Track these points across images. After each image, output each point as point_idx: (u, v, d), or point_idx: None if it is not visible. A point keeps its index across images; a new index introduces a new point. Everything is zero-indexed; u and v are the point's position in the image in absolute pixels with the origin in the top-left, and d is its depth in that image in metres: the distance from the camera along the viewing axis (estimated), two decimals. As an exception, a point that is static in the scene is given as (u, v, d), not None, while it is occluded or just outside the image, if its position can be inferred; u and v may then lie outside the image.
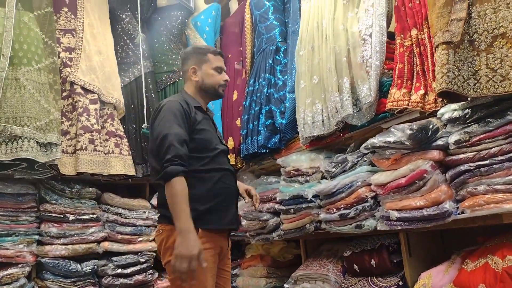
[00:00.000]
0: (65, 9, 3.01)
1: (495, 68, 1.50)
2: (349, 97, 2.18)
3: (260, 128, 2.89)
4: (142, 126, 2.95)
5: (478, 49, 1.56)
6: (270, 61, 3.00)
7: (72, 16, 3.01)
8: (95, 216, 2.78)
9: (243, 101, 3.22)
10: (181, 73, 2.13)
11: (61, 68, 2.85)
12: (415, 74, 1.96)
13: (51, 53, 2.80)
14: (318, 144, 2.51)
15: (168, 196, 1.57)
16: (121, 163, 2.90)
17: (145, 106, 3.04)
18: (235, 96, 3.32)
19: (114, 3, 3.27)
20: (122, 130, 3.03)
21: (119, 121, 3.05)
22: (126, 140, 3.01)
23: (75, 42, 2.96)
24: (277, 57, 3.01)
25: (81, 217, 2.73)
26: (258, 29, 3.23)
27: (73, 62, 2.89)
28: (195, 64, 1.91)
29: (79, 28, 2.99)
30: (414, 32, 1.98)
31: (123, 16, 3.27)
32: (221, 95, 1.98)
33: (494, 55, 1.51)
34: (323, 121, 2.37)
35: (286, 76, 2.84)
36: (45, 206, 2.65)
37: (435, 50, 1.64)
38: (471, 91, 1.54)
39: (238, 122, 3.22)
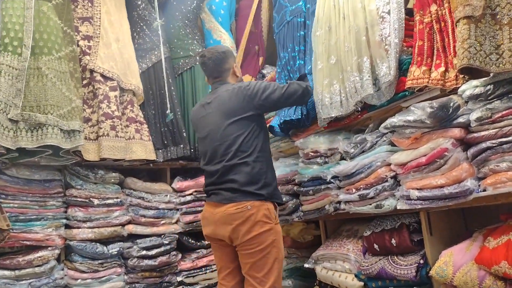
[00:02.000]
0: (82, -3, 3.04)
1: (519, 42, 1.46)
2: (369, 76, 2.15)
3: None
4: (167, 112, 2.99)
5: (500, 23, 1.51)
6: (301, 33, 2.85)
7: (89, 4, 3.05)
8: (119, 200, 2.86)
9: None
10: (221, 71, 2.27)
11: (80, 56, 2.90)
12: (435, 51, 1.92)
13: (70, 41, 2.85)
14: (336, 125, 2.50)
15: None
16: (142, 148, 2.96)
17: (166, 91, 3.06)
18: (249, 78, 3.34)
19: (129, -10, 3.29)
20: (142, 116, 3.08)
21: (139, 107, 3.10)
22: (146, 125, 3.07)
23: (93, 30, 3.00)
24: (304, 31, 2.90)
25: (105, 201, 2.82)
26: (279, 2, 3.13)
27: (92, 50, 2.94)
28: (235, 62, 2.33)
29: (97, 16, 3.03)
30: (434, 7, 1.93)
31: (139, 2, 3.28)
32: None
33: (518, 28, 1.47)
34: (341, 102, 2.35)
35: (306, 57, 2.80)
36: (71, 191, 2.74)
37: (456, 25, 1.60)
38: (493, 66, 1.50)
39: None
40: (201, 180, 3.01)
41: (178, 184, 3.11)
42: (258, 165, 2.06)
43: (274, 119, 2.86)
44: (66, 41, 2.81)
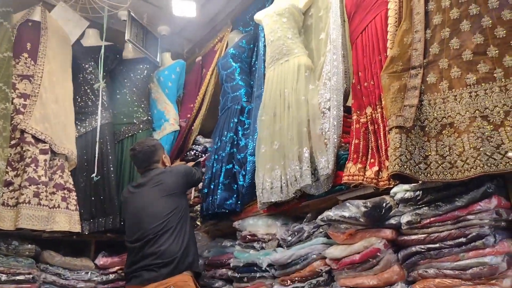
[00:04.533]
0: (26, 54, 2.94)
1: (444, 155, 1.58)
2: (308, 167, 2.20)
3: (219, 187, 2.84)
4: (92, 175, 2.86)
5: (428, 135, 1.64)
6: (235, 120, 3.00)
7: (32, 62, 2.93)
8: (31, 276, 2.54)
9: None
10: (151, 162, 2.63)
11: (13, 115, 2.72)
12: (369, 150, 2.02)
13: (4, 98, 2.69)
14: (275, 210, 2.48)
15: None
16: (67, 219, 2.73)
17: (96, 156, 2.93)
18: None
19: (78, 52, 3.24)
20: (72, 183, 2.88)
21: (70, 173, 2.91)
22: (74, 193, 2.86)
23: (31, 88, 2.86)
24: (241, 117, 3.02)
25: (15, 277, 2.49)
26: (224, 88, 3.27)
27: (26, 109, 2.78)
28: (164, 153, 2.71)
29: (38, 75, 2.91)
30: (369, 110, 2.07)
31: (86, 66, 3.23)
32: None
33: (443, 142, 1.60)
34: (281, 188, 2.37)
35: (248, 139, 2.85)
36: (-26, 264, 2.40)
37: (389, 132, 1.71)
38: (422, 175, 1.59)
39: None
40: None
41: (101, 260, 2.85)
42: (183, 241, 2.29)
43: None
44: (-1, 98, 2.63)
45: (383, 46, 2.00)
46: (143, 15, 3.43)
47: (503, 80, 1.55)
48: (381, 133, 1.97)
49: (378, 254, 1.73)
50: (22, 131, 2.70)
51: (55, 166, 2.81)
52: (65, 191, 2.81)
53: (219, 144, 3.05)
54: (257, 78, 2.96)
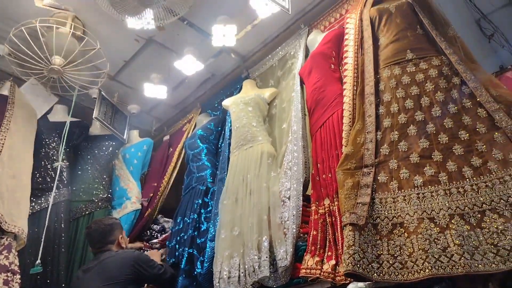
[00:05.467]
0: (-13, 128, 2.89)
1: (395, 255, 1.61)
2: (267, 257, 2.17)
3: (180, 274, 2.72)
4: (36, 263, 2.65)
5: (380, 233, 1.68)
6: (199, 201, 2.98)
7: (-7, 136, 2.88)
8: None
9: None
10: (105, 242, 2.50)
11: (-37, 190, 2.60)
12: (327, 243, 2.03)
13: (-45, 171, 2.58)
14: (232, 301, 2.38)
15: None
16: (6, 306, 2.50)
17: (42, 239, 2.77)
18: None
19: (44, 127, 3.23)
20: (17, 264, 2.68)
21: (16, 253, 2.72)
22: (19, 276, 2.64)
23: (-12, 162, 2.77)
24: (205, 199, 3.01)
25: None
26: (190, 168, 3.29)
27: (-21, 185, 2.66)
28: (120, 234, 2.55)
29: (-3, 149, 2.84)
30: (327, 201, 2.11)
31: (49, 141, 3.20)
32: None
33: (394, 242, 1.64)
34: (239, 278, 2.30)
35: (210, 223, 2.81)
36: None
37: (344, 227, 1.74)
38: (374, 274, 1.60)
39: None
40: None
41: None
42: None
43: None
44: (-51, 172, 2.53)
45: (340, 142, 2.11)
46: (114, 94, 3.52)
47: (447, 183, 1.65)
48: (338, 226, 1.99)
49: None
50: (-30, 208, 2.56)
51: (1, 246, 2.63)
52: (9, 274, 2.60)
53: (181, 225, 2.99)
54: (221, 161, 3.01)
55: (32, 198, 2.94)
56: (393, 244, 1.63)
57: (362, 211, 1.70)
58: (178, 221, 3.06)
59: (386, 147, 1.85)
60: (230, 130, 3.01)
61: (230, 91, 3.32)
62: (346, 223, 1.70)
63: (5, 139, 2.91)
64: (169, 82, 3.41)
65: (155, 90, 3.34)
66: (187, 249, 2.80)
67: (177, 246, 2.91)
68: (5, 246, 2.65)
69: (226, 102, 3.11)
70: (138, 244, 3.12)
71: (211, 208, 2.95)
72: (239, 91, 3.17)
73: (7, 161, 2.86)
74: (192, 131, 3.53)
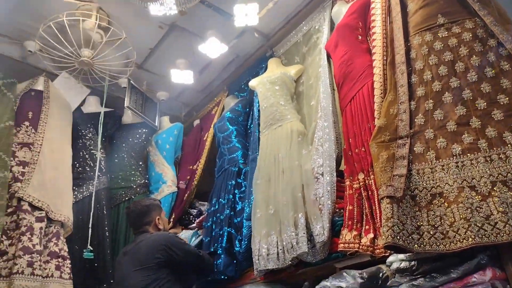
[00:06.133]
0: (27, 123, 3.03)
1: (435, 225, 1.59)
2: (304, 233, 2.20)
3: (220, 252, 2.80)
4: (84, 251, 2.79)
5: (419, 205, 1.66)
6: (232, 182, 3.02)
7: (33, 131, 3.01)
8: None
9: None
10: (142, 223, 2.52)
11: (11, 183, 2.75)
12: (364, 217, 2.03)
13: (2, 166, 2.74)
14: (272, 277, 2.44)
15: None
16: (60, 288, 2.66)
17: (90, 226, 2.91)
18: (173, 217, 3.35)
19: (79, 119, 3.35)
20: (67, 250, 2.85)
21: (65, 240, 2.88)
22: (69, 261, 2.81)
23: (31, 156, 2.91)
24: (238, 180, 3.05)
25: None
26: (221, 150, 3.33)
27: (25, 177, 2.81)
28: (158, 214, 2.53)
29: (38, 143, 2.98)
30: (361, 176, 2.10)
31: (86, 132, 3.31)
32: None
33: (434, 212, 1.61)
34: (278, 254, 2.34)
35: (244, 203, 2.86)
36: None
37: (381, 201, 1.73)
38: (415, 245, 1.59)
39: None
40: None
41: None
42: None
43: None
44: (-3, 166, 2.68)
45: (371, 115, 2.07)
46: (143, 82, 3.58)
47: (487, 150, 1.60)
48: (375, 199, 1.98)
49: (377, 328, 1.68)
50: (19, 199, 2.72)
51: (51, 234, 2.80)
52: (60, 259, 2.77)
53: (216, 206, 3.05)
54: (252, 141, 3.03)
55: (74, 188, 3.07)
56: (433, 215, 1.61)
57: (399, 183, 1.68)
58: (213, 202, 3.13)
59: (421, 116, 1.80)
60: (259, 110, 3.01)
61: (255, 71, 3.30)
62: (383, 196, 1.69)
63: (44, 132, 3.04)
64: (194, 67, 3.43)
65: (181, 76, 3.37)
66: (226, 227, 2.86)
67: (213, 226, 2.98)
68: (53, 234, 2.81)
69: (253, 83, 3.10)
70: (178, 230, 3.21)
71: (244, 188, 2.99)
72: (264, 71, 3.15)
73: (48, 154, 3.00)
74: (221, 113, 3.56)
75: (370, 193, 2.04)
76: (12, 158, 2.83)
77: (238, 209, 2.93)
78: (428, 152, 1.72)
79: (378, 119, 1.95)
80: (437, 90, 1.81)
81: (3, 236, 2.60)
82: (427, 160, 1.71)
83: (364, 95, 2.16)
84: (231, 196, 2.98)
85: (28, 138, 2.98)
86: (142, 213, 2.51)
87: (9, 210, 2.69)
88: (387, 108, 1.91)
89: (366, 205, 2.04)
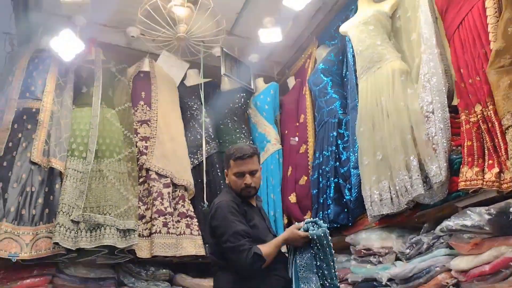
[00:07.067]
0: (142, 102, 3.36)
1: None
2: (418, 175, 2.12)
3: (329, 202, 2.86)
4: (203, 204, 3.08)
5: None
6: (334, 134, 3.01)
7: (148, 108, 3.34)
8: (171, 298, 2.86)
9: (297, 176, 3.30)
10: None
11: (138, 156, 3.13)
12: (486, 151, 1.87)
13: (129, 143, 3.11)
14: (388, 222, 2.43)
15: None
16: (192, 244, 3.01)
17: (204, 186, 3.18)
18: (289, 172, 3.41)
19: (184, 92, 3.61)
20: (192, 210, 3.18)
21: (190, 201, 3.21)
22: (196, 220, 3.14)
23: (150, 131, 3.25)
24: (340, 130, 3.01)
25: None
26: (318, 103, 3.31)
27: (148, 150, 3.16)
28: (226, 168, 2.09)
29: (154, 119, 3.30)
30: (478, 108, 1.92)
31: (191, 103, 3.57)
32: (245, 197, 2.02)
33: None
34: (391, 199, 2.31)
35: (349, 152, 2.84)
36: (123, 289, 2.79)
37: (506, 131, 1.58)
38: (553, 175, 1.44)
39: (291, 197, 3.30)
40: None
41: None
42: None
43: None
44: (125, 144, 3.07)
45: (486, 38, 1.86)
46: (234, 48, 3.67)
47: None
48: (497, 131, 1.81)
49: (511, 263, 1.59)
50: (147, 170, 3.09)
51: (177, 197, 3.14)
52: (188, 219, 3.11)
53: (321, 159, 3.09)
54: (350, 89, 2.94)
55: (189, 155, 3.37)
56: None
57: (526, 109, 1.51)
58: (317, 155, 3.16)
59: (548, 31, 1.57)
60: (353, 56, 2.89)
61: (345, 15, 3.14)
62: (508, 125, 1.54)
63: (157, 109, 3.36)
64: (281, 23, 3.39)
65: (270, 35, 3.36)
66: (332, 179, 2.89)
67: (320, 178, 3.02)
68: (180, 197, 3.15)
69: (344, 28, 2.96)
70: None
71: (347, 138, 2.96)
72: (355, 12, 2.97)
73: (164, 128, 3.32)
74: (314, 66, 3.50)
75: (490, 125, 1.86)
76: (135, 135, 3.20)
77: (343, 159, 2.92)
78: (562, 69, 1.50)
79: (494, 42, 1.75)
80: None
81: (140, 203, 2.99)
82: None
83: (474, 18, 1.93)
84: (334, 147, 2.97)
85: (145, 115, 3.32)
86: (224, 160, 2.21)
87: (140, 180, 3.08)
88: (505, 27, 1.69)
89: (487, 139, 1.87)
